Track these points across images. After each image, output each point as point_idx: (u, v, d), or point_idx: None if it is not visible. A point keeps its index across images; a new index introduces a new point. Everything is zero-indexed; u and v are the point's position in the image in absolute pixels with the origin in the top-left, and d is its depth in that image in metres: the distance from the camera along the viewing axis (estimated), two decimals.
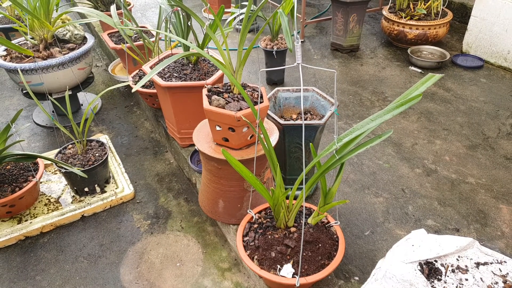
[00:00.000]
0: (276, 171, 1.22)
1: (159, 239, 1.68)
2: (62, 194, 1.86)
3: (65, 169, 1.67)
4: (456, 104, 2.42)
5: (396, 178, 1.89)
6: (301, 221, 1.33)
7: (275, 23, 2.51)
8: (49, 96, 1.88)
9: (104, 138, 2.19)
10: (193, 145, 1.97)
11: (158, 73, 1.78)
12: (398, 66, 2.87)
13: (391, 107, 1.13)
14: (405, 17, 2.95)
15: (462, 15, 3.51)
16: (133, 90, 1.14)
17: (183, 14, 1.66)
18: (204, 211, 1.63)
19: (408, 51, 2.89)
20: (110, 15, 2.41)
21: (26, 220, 1.71)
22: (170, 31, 1.76)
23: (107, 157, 1.80)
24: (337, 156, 1.17)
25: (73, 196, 1.84)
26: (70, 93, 2.30)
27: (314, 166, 1.77)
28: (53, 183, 1.94)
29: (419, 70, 2.79)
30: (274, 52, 2.49)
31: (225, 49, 1.38)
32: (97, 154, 1.81)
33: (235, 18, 2.30)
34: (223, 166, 1.43)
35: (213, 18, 1.41)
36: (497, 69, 2.79)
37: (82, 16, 3.70)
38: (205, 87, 1.45)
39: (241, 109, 1.35)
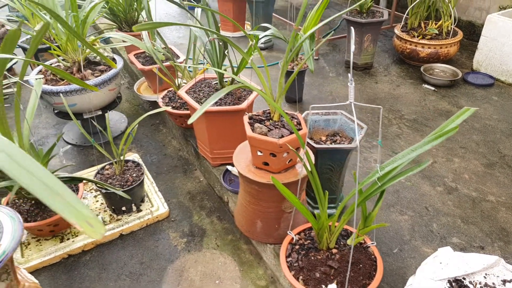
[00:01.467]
0: (320, 196, 1.31)
1: (196, 257, 1.76)
2: (99, 213, 1.94)
3: (106, 189, 1.75)
4: (471, 122, 2.51)
5: (419, 196, 1.98)
6: (341, 243, 1.41)
7: (291, 43, 2.60)
8: (91, 120, 1.96)
9: (134, 156, 2.27)
10: (224, 164, 2.05)
11: (194, 98, 1.87)
12: (411, 84, 2.97)
13: (430, 138, 1.22)
14: (417, 36, 3.06)
15: (470, 32, 3.63)
16: (189, 122, 1.23)
17: (220, 43, 1.75)
18: (241, 230, 1.71)
19: (421, 69, 3.00)
20: (134, 36, 2.51)
21: (68, 239, 1.79)
22: (204, 58, 1.85)
23: (144, 178, 1.88)
24: (379, 183, 1.25)
25: (110, 215, 1.92)
26: (100, 113, 2.39)
27: (341, 188, 1.86)
28: (88, 201, 2.01)
29: (433, 88, 2.89)
30: None
31: (260, 70, 1.47)
32: (134, 175, 1.89)
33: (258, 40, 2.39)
34: (263, 189, 1.51)
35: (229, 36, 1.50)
36: (508, 87, 2.89)
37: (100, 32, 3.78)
38: (246, 114, 1.54)
39: (282, 136, 1.43)
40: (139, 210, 1.93)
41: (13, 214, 1.20)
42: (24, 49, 2.86)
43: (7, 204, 1.79)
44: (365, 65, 3.14)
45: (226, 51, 1.74)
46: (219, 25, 4.10)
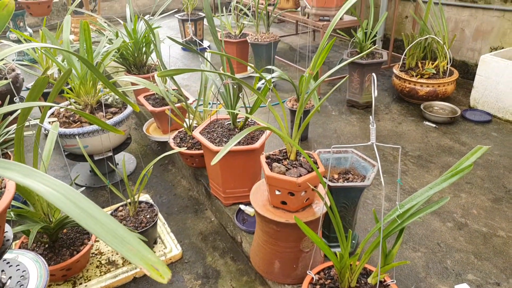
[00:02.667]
0: (341, 235, 1.32)
1: None
2: (112, 255, 1.92)
3: None
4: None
5: (430, 232, 1.99)
6: (362, 281, 1.41)
7: (301, 85, 2.70)
8: (107, 162, 1.98)
9: (145, 197, 2.27)
10: (236, 203, 2.06)
11: (208, 138, 1.91)
12: (413, 121, 3.06)
13: (446, 177, 1.26)
14: (416, 76, 3.18)
15: (464, 71, 3.78)
16: (212, 163, 1.26)
17: (235, 86, 1.83)
18: (258, 271, 1.70)
19: (421, 107, 3.10)
20: (146, 78, 2.59)
21: (81, 284, 1.76)
22: (217, 99, 1.92)
23: (157, 219, 1.88)
24: (399, 221, 1.28)
25: (123, 257, 1.90)
26: (110, 154, 2.42)
27: (354, 225, 1.88)
28: (101, 243, 2.00)
29: (433, 125, 2.97)
30: None
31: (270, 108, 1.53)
32: (148, 216, 1.90)
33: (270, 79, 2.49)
34: (281, 228, 1.52)
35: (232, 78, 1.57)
36: (505, 123, 2.99)
37: (108, 75, 3.90)
38: (263, 154, 1.58)
39: (300, 175, 1.47)
40: None
41: (37, 258, 1.20)
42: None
43: (20, 248, 1.77)
44: (366, 103, 3.24)
45: (240, 93, 1.81)
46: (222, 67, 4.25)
